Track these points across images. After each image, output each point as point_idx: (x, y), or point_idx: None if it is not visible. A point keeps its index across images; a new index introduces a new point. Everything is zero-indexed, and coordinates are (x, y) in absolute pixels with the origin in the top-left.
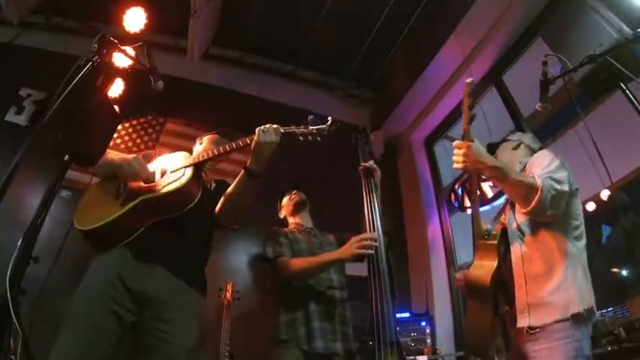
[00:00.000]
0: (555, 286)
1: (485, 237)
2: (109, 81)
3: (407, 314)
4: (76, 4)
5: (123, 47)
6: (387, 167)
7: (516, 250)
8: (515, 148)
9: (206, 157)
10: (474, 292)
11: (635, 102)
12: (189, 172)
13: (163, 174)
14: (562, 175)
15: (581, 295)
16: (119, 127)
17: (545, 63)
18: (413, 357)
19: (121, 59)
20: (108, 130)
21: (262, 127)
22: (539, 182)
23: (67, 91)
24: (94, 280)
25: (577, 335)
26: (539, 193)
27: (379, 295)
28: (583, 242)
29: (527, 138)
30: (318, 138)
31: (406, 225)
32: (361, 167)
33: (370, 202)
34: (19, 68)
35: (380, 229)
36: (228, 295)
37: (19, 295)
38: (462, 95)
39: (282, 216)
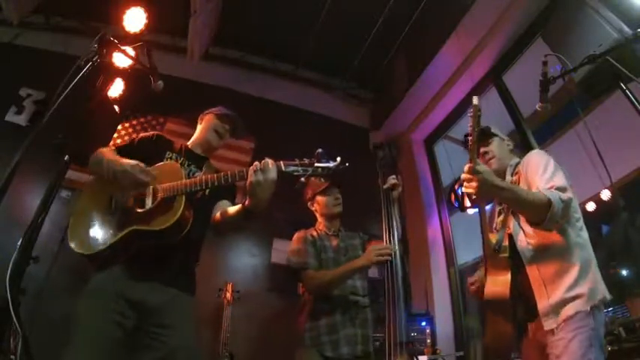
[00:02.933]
0: (572, 282)
1: (496, 250)
2: (109, 81)
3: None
4: (76, 4)
5: (123, 47)
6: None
7: (528, 258)
8: (511, 151)
9: (199, 187)
10: (494, 307)
11: (635, 102)
12: (181, 200)
13: (155, 194)
14: (561, 179)
15: (596, 285)
16: (119, 127)
17: (545, 63)
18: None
19: (121, 59)
20: (108, 131)
21: (256, 165)
22: (548, 198)
23: (67, 91)
24: (96, 296)
25: (592, 324)
26: (550, 209)
27: (392, 298)
28: (586, 233)
29: (504, 136)
30: (322, 179)
31: (406, 225)
32: (385, 187)
33: (389, 213)
34: (19, 68)
35: (397, 240)
36: (228, 295)
37: (19, 295)
38: (470, 117)
39: (312, 208)
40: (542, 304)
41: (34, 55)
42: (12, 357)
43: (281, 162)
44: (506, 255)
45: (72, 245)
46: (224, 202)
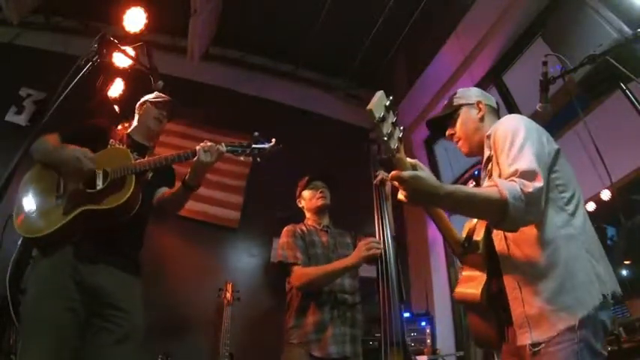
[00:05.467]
0: (556, 288)
1: (466, 246)
2: (109, 81)
3: (407, 314)
4: (76, 4)
5: (123, 47)
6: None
7: (503, 254)
8: (483, 117)
9: (148, 167)
10: (469, 307)
11: (635, 102)
12: (131, 179)
13: (105, 175)
14: (528, 157)
15: (594, 285)
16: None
17: (545, 63)
18: (413, 357)
19: (121, 59)
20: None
21: (204, 145)
22: (503, 194)
23: (67, 91)
24: (48, 283)
25: (580, 335)
26: (508, 208)
27: (387, 297)
28: (581, 217)
29: (482, 95)
30: (259, 159)
31: (406, 225)
32: (376, 181)
33: (381, 210)
34: (19, 68)
35: (389, 236)
36: (228, 295)
37: (19, 295)
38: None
39: (300, 205)
40: (516, 312)
41: (34, 55)
42: (12, 357)
43: (222, 143)
44: (479, 252)
45: (18, 229)
46: (163, 189)
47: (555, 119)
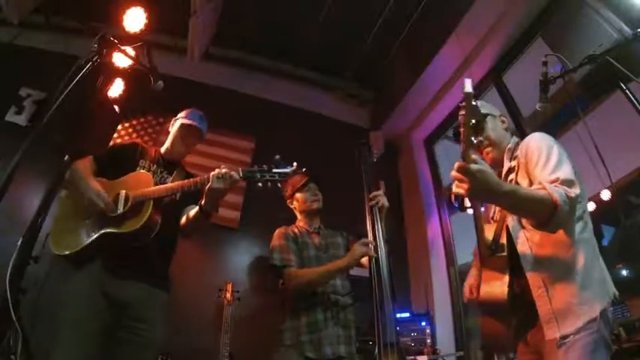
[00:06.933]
0: (580, 285)
1: (493, 249)
2: (109, 81)
3: (407, 314)
4: (76, 4)
5: (123, 47)
6: (387, 167)
7: (527, 256)
8: (506, 129)
9: (166, 194)
10: (488, 308)
11: (635, 102)
12: (149, 204)
13: (126, 200)
14: (567, 169)
15: (604, 284)
16: (119, 127)
17: (545, 63)
18: (413, 357)
19: (121, 59)
20: (108, 131)
21: (218, 172)
22: (554, 197)
23: (67, 91)
24: (78, 295)
25: (596, 326)
26: (556, 211)
27: (380, 298)
28: (590, 223)
29: (496, 111)
30: (279, 184)
31: (406, 225)
32: (371, 197)
33: (374, 213)
34: (19, 68)
35: (382, 240)
36: (228, 295)
37: (19, 295)
38: (462, 106)
39: (292, 205)
40: (543, 309)
41: (34, 55)
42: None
43: (240, 169)
44: (504, 254)
45: (52, 247)
46: (191, 207)
47: (555, 119)
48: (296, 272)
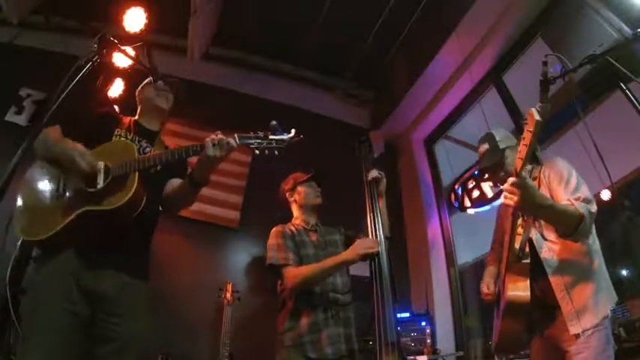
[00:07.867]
0: (596, 287)
1: (520, 255)
2: (109, 81)
3: (407, 314)
4: (76, 4)
5: (123, 47)
6: (387, 167)
7: (552, 267)
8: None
9: (153, 163)
10: (511, 310)
11: (635, 102)
12: (134, 177)
13: (107, 172)
14: (587, 190)
15: (611, 289)
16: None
17: (545, 63)
18: (413, 357)
19: (121, 59)
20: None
21: (213, 138)
22: (581, 212)
23: (67, 91)
24: (49, 285)
25: (606, 323)
26: (582, 223)
27: (380, 297)
28: (596, 238)
29: (513, 140)
30: (276, 151)
31: (406, 225)
32: (369, 179)
33: (373, 209)
34: (19, 68)
35: (382, 235)
36: (228, 295)
37: (19, 295)
38: (527, 126)
39: (292, 198)
40: (567, 309)
41: (34, 55)
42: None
43: (235, 135)
44: (527, 261)
45: (19, 233)
46: (175, 180)
47: (555, 119)
48: (295, 270)
